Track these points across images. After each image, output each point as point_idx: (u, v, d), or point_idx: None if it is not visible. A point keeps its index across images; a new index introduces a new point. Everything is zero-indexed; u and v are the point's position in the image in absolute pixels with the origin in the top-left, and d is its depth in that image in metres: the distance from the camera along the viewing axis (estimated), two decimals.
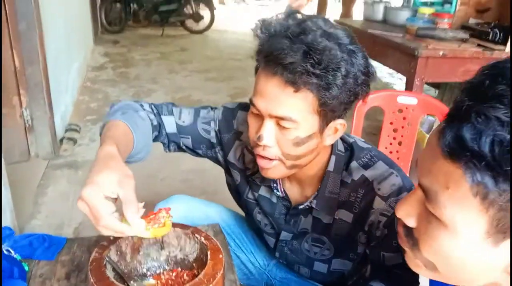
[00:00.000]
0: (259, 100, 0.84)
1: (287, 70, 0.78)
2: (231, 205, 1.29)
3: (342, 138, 0.99)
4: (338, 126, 0.89)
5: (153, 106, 1.09)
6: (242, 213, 1.31)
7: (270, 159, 0.88)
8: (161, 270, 0.90)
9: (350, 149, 0.98)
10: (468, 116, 0.46)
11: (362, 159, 0.96)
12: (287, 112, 0.82)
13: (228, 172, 1.16)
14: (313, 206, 0.98)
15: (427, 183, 0.52)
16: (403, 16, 2.99)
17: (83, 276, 0.92)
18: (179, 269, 0.89)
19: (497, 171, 0.44)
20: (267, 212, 1.09)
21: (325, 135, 0.88)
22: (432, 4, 3.19)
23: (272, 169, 0.89)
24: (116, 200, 0.73)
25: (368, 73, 0.84)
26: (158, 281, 0.88)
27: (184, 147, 1.12)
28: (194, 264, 0.88)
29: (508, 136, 0.43)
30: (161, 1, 7.32)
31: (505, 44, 2.35)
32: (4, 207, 1.76)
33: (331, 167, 0.96)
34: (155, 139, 1.08)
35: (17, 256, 0.96)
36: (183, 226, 0.89)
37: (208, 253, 0.81)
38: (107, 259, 0.78)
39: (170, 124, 1.08)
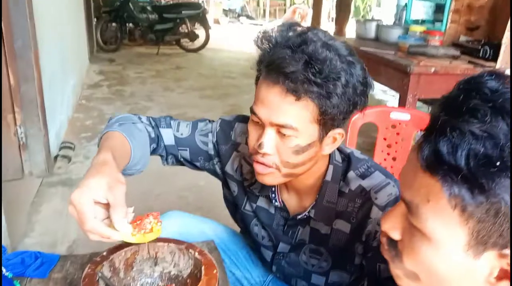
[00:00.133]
0: (260, 108, 0.86)
1: (288, 79, 0.80)
2: (227, 222, 1.29)
3: (339, 149, 1.00)
4: (336, 135, 0.90)
5: (151, 119, 1.10)
6: (238, 230, 1.30)
7: (267, 166, 0.89)
8: None
9: (347, 159, 0.99)
10: (444, 130, 0.47)
11: (359, 169, 0.97)
12: (288, 120, 0.83)
13: (225, 184, 1.16)
14: (311, 215, 0.99)
15: (408, 196, 0.53)
16: (395, 34, 3.04)
17: None
18: (173, 285, 0.88)
19: (473, 183, 0.45)
20: (265, 223, 1.09)
21: (324, 144, 0.90)
22: (423, 22, 3.26)
23: (268, 175, 0.90)
24: (108, 206, 0.73)
25: (366, 84, 0.87)
26: None
27: (182, 160, 1.13)
28: (188, 280, 0.87)
29: (483, 149, 0.44)
30: (156, 20, 7.41)
31: (495, 61, 2.39)
32: None
33: (329, 177, 0.97)
34: (153, 152, 1.09)
35: (8, 274, 0.94)
36: (177, 242, 0.88)
37: (202, 268, 0.80)
38: (99, 274, 0.78)
39: (168, 136, 1.09)
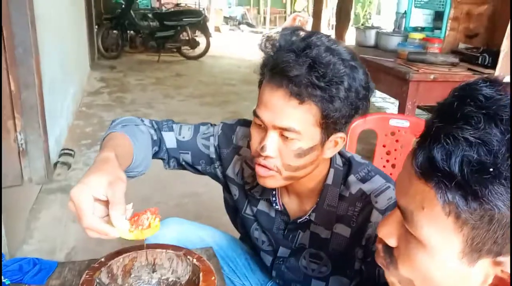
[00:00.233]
0: (263, 111, 0.87)
1: (292, 83, 0.81)
2: (226, 229, 1.29)
3: (340, 153, 1.01)
4: (338, 139, 0.91)
5: (153, 122, 1.11)
6: (236, 236, 1.30)
7: (269, 169, 0.89)
8: None
9: (348, 163, 1.00)
10: (438, 137, 0.47)
11: (360, 173, 0.98)
12: (291, 123, 0.84)
13: (226, 188, 1.17)
14: (312, 219, 0.99)
15: (403, 203, 0.53)
16: (394, 41, 3.06)
17: None
18: None
19: (467, 190, 0.45)
20: (265, 227, 1.09)
21: (326, 148, 0.90)
22: (422, 29, 3.28)
23: (269, 178, 0.91)
24: (108, 204, 0.73)
25: (368, 88, 0.88)
26: None
27: (184, 163, 1.13)
28: None
29: (476, 156, 0.44)
30: (157, 28, 7.45)
31: (494, 68, 2.40)
32: None
33: (329, 180, 0.97)
34: (155, 155, 1.09)
35: (6, 281, 0.94)
36: (175, 248, 0.88)
37: (201, 275, 0.80)
38: (97, 281, 0.77)
39: (170, 139, 1.10)
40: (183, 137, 1.10)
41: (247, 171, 1.09)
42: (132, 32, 7.70)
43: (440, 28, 2.95)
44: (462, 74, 2.43)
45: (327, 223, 0.99)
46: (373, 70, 2.82)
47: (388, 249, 0.58)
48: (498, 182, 0.43)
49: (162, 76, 6.14)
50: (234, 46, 9.61)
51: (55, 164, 2.93)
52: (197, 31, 7.82)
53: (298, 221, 1.02)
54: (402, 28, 3.44)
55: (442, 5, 2.86)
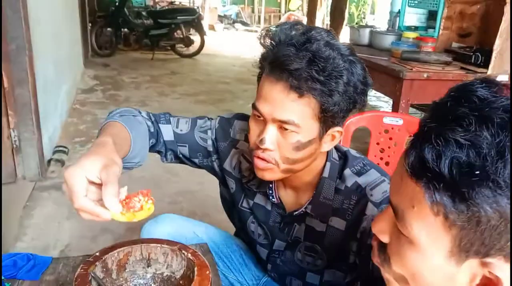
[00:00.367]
0: (263, 104, 0.88)
1: (292, 76, 0.82)
2: (220, 227, 1.30)
3: (336, 147, 1.02)
4: (335, 133, 0.92)
5: (150, 114, 1.11)
6: (231, 232, 1.31)
7: (268, 161, 0.90)
8: None
9: (344, 157, 1.01)
10: (430, 137, 0.47)
11: (355, 167, 0.99)
12: (291, 116, 0.85)
13: (223, 182, 1.17)
14: (308, 211, 1.00)
15: (395, 201, 0.54)
16: (388, 40, 3.07)
17: None
18: None
19: (455, 191, 0.45)
20: (261, 220, 1.10)
21: (323, 141, 0.92)
22: (416, 28, 3.29)
23: (267, 171, 0.92)
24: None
25: (366, 83, 0.89)
26: None
27: (181, 156, 1.13)
28: (181, 282, 0.87)
29: (465, 158, 0.44)
30: (151, 26, 7.42)
31: (486, 67, 2.42)
32: None
33: (326, 173, 0.98)
34: (153, 147, 1.09)
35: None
36: (170, 243, 0.88)
37: (195, 269, 0.81)
38: (92, 275, 0.77)
39: (167, 132, 1.10)
40: (181, 130, 1.11)
41: (244, 164, 1.10)
42: (126, 30, 7.65)
43: (433, 28, 2.98)
44: (455, 73, 2.45)
45: (323, 216, 1.00)
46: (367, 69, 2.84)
47: (383, 246, 0.58)
48: (485, 184, 0.44)
49: (156, 74, 6.12)
50: (229, 44, 9.60)
51: (49, 161, 2.92)
52: (191, 29, 7.79)
53: (294, 213, 1.03)
54: (396, 27, 3.46)
55: (436, 4, 2.89)
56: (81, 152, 3.25)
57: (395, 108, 2.51)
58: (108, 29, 7.15)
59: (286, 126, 0.86)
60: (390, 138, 1.90)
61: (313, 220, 1.02)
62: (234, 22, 13.32)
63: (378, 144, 1.91)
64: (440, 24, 2.81)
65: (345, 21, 7.46)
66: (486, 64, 2.43)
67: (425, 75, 2.41)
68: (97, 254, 0.83)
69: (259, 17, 13.77)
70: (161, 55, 7.43)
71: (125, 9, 7.26)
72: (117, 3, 7.37)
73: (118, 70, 6.19)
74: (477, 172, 0.44)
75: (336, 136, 0.93)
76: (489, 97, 0.47)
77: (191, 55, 7.59)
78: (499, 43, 2.37)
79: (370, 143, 1.91)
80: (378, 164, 1.93)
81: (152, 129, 1.07)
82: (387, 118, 1.88)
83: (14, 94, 2.48)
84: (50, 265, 1.01)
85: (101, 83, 5.42)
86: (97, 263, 0.81)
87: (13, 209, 2.35)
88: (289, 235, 1.07)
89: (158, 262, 0.88)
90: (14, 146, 2.57)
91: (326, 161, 0.99)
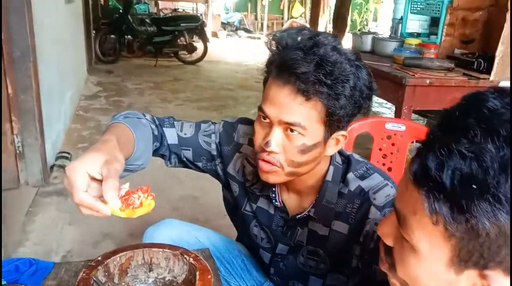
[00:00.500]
0: (269, 107, 0.88)
1: (300, 79, 0.83)
2: (222, 233, 1.29)
3: (339, 152, 1.02)
4: (340, 137, 0.93)
5: (155, 118, 1.12)
6: (233, 238, 1.30)
7: (272, 164, 0.91)
8: None
9: (347, 161, 1.02)
10: (434, 147, 0.47)
11: (359, 171, 0.99)
12: (298, 119, 0.86)
13: (226, 186, 1.18)
14: (311, 214, 1.00)
15: (399, 206, 0.54)
16: (391, 46, 3.08)
17: None
18: None
19: (454, 202, 0.45)
20: (264, 224, 1.10)
21: (328, 145, 0.92)
22: (418, 35, 3.30)
23: (272, 174, 0.93)
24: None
25: (372, 88, 0.90)
26: None
27: (185, 159, 1.14)
28: None
29: (468, 170, 0.44)
30: (155, 33, 7.46)
31: (489, 73, 2.42)
32: None
33: (329, 177, 0.99)
34: (156, 151, 1.10)
35: (2, 281, 0.94)
36: (172, 247, 0.88)
37: (197, 274, 0.81)
38: (94, 279, 0.77)
39: (171, 136, 1.11)
40: (185, 134, 1.12)
41: (248, 168, 1.10)
42: (129, 37, 7.69)
43: (436, 34, 2.98)
44: (458, 79, 2.45)
45: (326, 220, 1.00)
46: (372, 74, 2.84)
47: (389, 251, 0.58)
48: (485, 198, 0.43)
49: (159, 81, 6.15)
50: (232, 51, 9.64)
51: (52, 167, 2.93)
52: (194, 36, 7.85)
53: (297, 217, 1.03)
54: (399, 34, 3.46)
55: (438, 11, 2.89)
56: None
57: (398, 114, 2.51)
58: (112, 36, 7.20)
59: (293, 128, 0.87)
60: (393, 144, 1.90)
61: (316, 224, 1.02)
62: (237, 29, 13.38)
63: (380, 149, 1.91)
64: (442, 30, 2.81)
65: (348, 28, 7.49)
66: (488, 70, 2.43)
67: (427, 81, 2.41)
68: (99, 258, 0.83)
69: (262, 24, 13.83)
70: (165, 62, 7.46)
71: (129, 17, 7.31)
72: (121, 11, 7.44)
73: (121, 77, 6.22)
74: (478, 185, 0.43)
75: (341, 141, 0.94)
76: (499, 108, 0.46)
77: (194, 62, 7.63)
78: (502, 49, 2.37)
79: (372, 148, 1.91)
80: None
81: (156, 133, 1.08)
82: (390, 124, 1.88)
83: (18, 101, 2.50)
84: (52, 270, 1.01)
85: (105, 89, 5.44)
86: (99, 267, 0.81)
87: (16, 215, 2.35)
88: (292, 238, 1.07)
89: (160, 267, 0.88)
90: (18, 151, 2.58)
91: (330, 164, 0.99)
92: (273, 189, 1.05)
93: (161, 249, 0.88)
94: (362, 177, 0.98)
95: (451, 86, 2.45)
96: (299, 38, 0.87)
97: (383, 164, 1.92)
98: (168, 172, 2.86)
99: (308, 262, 1.06)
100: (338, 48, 0.86)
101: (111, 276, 0.84)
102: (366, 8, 13.72)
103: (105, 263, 0.82)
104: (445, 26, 2.79)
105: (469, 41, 2.80)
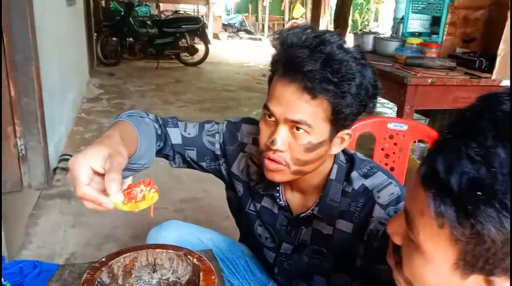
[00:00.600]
0: (275, 106, 0.88)
1: (306, 78, 0.83)
2: (225, 234, 1.29)
3: (343, 150, 1.02)
4: (345, 136, 0.93)
5: (158, 118, 1.12)
6: (236, 239, 1.30)
7: (278, 163, 0.91)
8: None
9: (351, 160, 1.02)
10: (444, 148, 0.46)
11: (362, 169, 0.99)
12: (304, 116, 0.86)
13: (230, 186, 1.18)
14: (315, 213, 1.00)
15: (408, 206, 0.53)
16: (392, 46, 3.07)
17: None
18: None
19: (460, 207, 0.44)
20: (268, 223, 1.10)
21: (333, 144, 0.93)
22: (420, 34, 3.29)
23: (278, 172, 0.93)
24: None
25: (377, 87, 0.90)
26: None
27: (189, 159, 1.14)
28: None
29: (475, 174, 0.43)
30: (156, 35, 7.48)
31: (490, 72, 2.41)
32: None
33: (333, 175, 0.99)
34: (160, 151, 1.09)
35: (6, 283, 0.94)
36: (175, 248, 0.88)
37: (201, 274, 0.81)
38: (98, 280, 0.78)
39: (175, 135, 1.11)
40: (189, 134, 1.12)
41: (252, 167, 1.11)
42: (131, 39, 7.72)
43: (437, 33, 2.97)
44: (460, 78, 2.45)
45: (330, 218, 1.00)
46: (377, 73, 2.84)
47: (397, 249, 0.58)
48: (491, 204, 0.42)
49: (161, 83, 6.16)
50: (233, 52, 9.65)
51: (55, 170, 2.94)
52: (196, 38, 7.86)
53: (301, 215, 1.03)
54: (400, 34, 3.46)
55: (439, 10, 2.88)
56: None
57: (400, 114, 2.50)
58: (114, 38, 7.22)
59: (299, 126, 0.87)
60: (395, 144, 1.89)
61: (320, 223, 1.02)
62: (238, 30, 13.39)
63: (382, 149, 1.90)
64: (443, 30, 2.81)
65: (349, 29, 7.49)
66: (490, 69, 2.43)
67: (429, 80, 2.40)
68: (103, 259, 0.83)
69: (263, 25, 13.84)
70: (166, 64, 7.47)
71: (130, 19, 7.33)
72: (122, 13, 7.46)
73: (123, 79, 6.24)
74: (485, 190, 0.42)
75: (346, 139, 0.94)
76: None
77: (195, 64, 7.64)
78: (503, 48, 2.36)
79: (374, 148, 1.91)
80: None
81: (159, 132, 1.08)
82: (392, 124, 1.87)
83: (20, 103, 2.50)
84: (56, 272, 1.01)
85: (107, 92, 5.45)
86: (103, 268, 0.81)
87: (19, 217, 2.36)
88: (296, 238, 1.07)
89: (163, 268, 0.89)
90: (20, 154, 2.58)
91: (333, 163, 1.00)
92: (277, 188, 1.05)
93: (164, 250, 0.88)
94: (366, 176, 0.98)
95: (453, 85, 2.44)
96: (304, 37, 0.87)
97: (386, 164, 1.91)
98: (170, 173, 2.86)
99: (312, 261, 1.06)
100: (344, 47, 0.87)
101: (115, 277, 0.84)
102: (367, 8, 13.71)
103: (109, 264, 0.82)
104: (447, 25, 2.79)
105: (470, 40, 2.79)
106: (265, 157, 0.92)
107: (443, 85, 2.44)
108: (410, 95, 2.42)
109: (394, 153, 1.90)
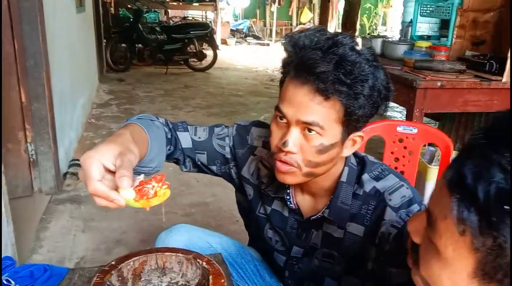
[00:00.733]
0: (287, 107, 0.88)
1: (319, 79, 0.83)
2: (234, 238, 1.29)
3: (353, 153, 1.02)
4: (356, 138, 0.93)
5: (168, 122, 1.12)
6: (245, 243, 1.30)
7: (290, 165, 0.91)
8: None
9: (362, 162, 1.01)
10: (474, 153, 0.45)
11: (374, 172, 0.99)
12: (316, 118, 0.86)
13: (240, 189, 1.18)
14: (325, 215, 1.00)
15: (431, 207, 0.52)
16: (401, 50, 3.05)
17: None
18: None
19: (484, 216, 0.43)
20: (278, 226, 1.10)
21: (345, 146, 0.92)
22: (428, 38, 3.27)
23: (289, 174, 0.92)
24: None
25: (389, 89, 0.90)
26: None
27: (199, 163, 1.14)
28: None
29: (504, 185, 0.41)
30: (165, 41, 7.53)
31: (501, 75, 2.39)
32: (5, 242, 1.75)
33: (344, 178, 0.98)
34: (170, 155, 1.10)
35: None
36: (184, 252, 0.88)
37: (210, 278, 0.80)
38: (108, 283, 0.78)
39: (185, 139, 1.11)
40: (199, 138, 1.12)
41: (263, 170, 1.10)
42: (140, 45, 7.78)
43: (446, 36, 2.95)
44: (469, 81, 2.42)
45: (340, 221, 0.99)
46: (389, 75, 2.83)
47: (415, 247, 0.57)
48: None
49: (170, 88, 6.19)
50: (241, 58, 9.68)
51: (65, 175, 2.96)
52: (204, 43, 7.89)
53: (312, 218, 1.03)
54: (408, 37, 3.44)
55: (448, 13, 2.86)
56: None
57: (409, 118, 2.48)
58: (123, 44, 7.28)
59: (311, 128, 0.87)
60: (405, 148, 1.88)
61: (331, 226, 1.01)
62: (246, 36, 13.44)
63: (392, 153, 1.89)
64: (453, 32, 2.79)
65: (357, 33, 7.47)
66: (500, 72, 2.40)
67: (438, 84, 2.38)
68: (113, 263, 0.83)
69: (270, 30, 13.86)
70: (175, 70, 7.52)
71: (139, 25, 7.40)
72: (131, 19, 7.53)
73: (132, 85, 6.28)
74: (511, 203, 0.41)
75: (357, 141, 0.93)
76: None
77: (204, 69, 7.67)
78: None
79: (384, 152, 1.90)
80: None
81: (169, 136, 1.08)
82: (401, 127, 1.86)
83: (31, 109, 2.54)
84: (66, 275, 1.01)
85: (116, 97, 5.50)
86: (112, 272, 0.81)
87: (30, 222, 2.38)
88: (306, 241, 1.06)
89: (173, 271, 0.88)
90: (31, 159, 2.61)
91: (344, 166, 0.99)
92: (288, 191, 1.05)
93: (174, 254, 0.88)
94: (377, 178, 0.97)
95: (462, 88, 2.42)
96: (316, 39, 0.87)
97: (396, 167, 1.90)
98: (179, 178, 2.87)
99: (323, 265, 1.06)
100: (356, 49, 0.87)
101: (125, 281, 0.84)
102: (375, 13, 13.69)
103: (119, 267, 0.82)
104: (456, 28, 2.77)
105: (480, 43, 2.77)
106: (277, 158, 0.92)
107: (452, 89, 2.42)
108: (420, 99, 2.40)
109: (404, 156, 1.89)
